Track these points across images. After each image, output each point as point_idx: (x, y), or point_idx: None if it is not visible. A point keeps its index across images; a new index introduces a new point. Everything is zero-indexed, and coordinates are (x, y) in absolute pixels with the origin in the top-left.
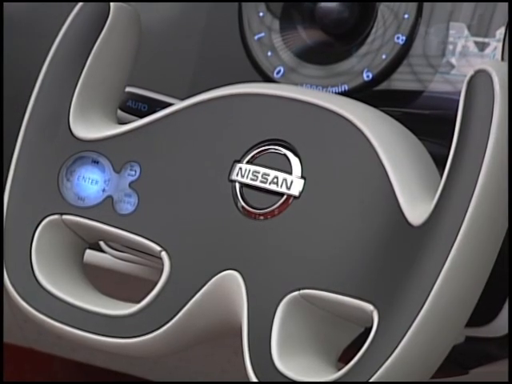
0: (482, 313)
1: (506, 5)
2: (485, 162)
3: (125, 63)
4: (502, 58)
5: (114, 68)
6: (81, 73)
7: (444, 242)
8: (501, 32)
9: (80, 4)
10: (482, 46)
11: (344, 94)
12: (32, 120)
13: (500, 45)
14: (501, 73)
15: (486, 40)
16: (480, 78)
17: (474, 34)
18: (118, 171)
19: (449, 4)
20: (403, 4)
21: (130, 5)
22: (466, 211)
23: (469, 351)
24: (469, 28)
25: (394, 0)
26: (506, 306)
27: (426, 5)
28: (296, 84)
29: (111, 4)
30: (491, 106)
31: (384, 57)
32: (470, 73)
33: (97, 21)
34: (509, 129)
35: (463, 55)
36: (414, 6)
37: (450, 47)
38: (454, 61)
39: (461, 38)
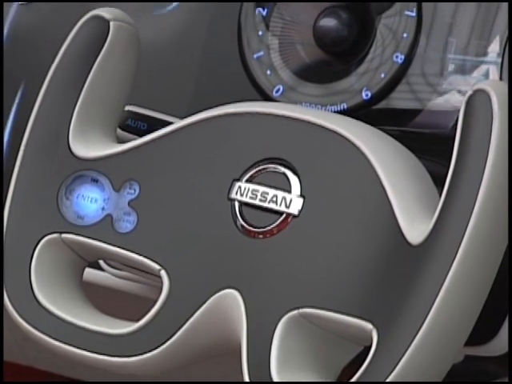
0: (482, 332)
1: (504, 22)
2: (483, 182)
3: (124, 82)
4: (501, 76)
5: (114, 87)
6: (80, 92)
7: (443, 261)
8: (495, 50)
9: (80, 23)
10: (480, 65)
11: (343, 112)
12: (32, 138)
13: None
14: (499, 92)
15: (485, 59)
16: (479, 98)
17: (472, 54)
18: (117, 190)
19: (447, 22)
20: (402, 23)
21: (129, 23)
22: (465, 230)
23: (468, 370)
24: (467, 47)
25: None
26: (506, 325)
27: (425, 24)
28: (295, 102)
29: (111, 23)
30: (490, 126)
31: (383, 76)
32: (469, 92)
33: (96, 39)
34: (508, 147)
35: (462, 74)
36: (412, 25)
37: (449, 66)
38: (452, 80)
39: (459, 57)
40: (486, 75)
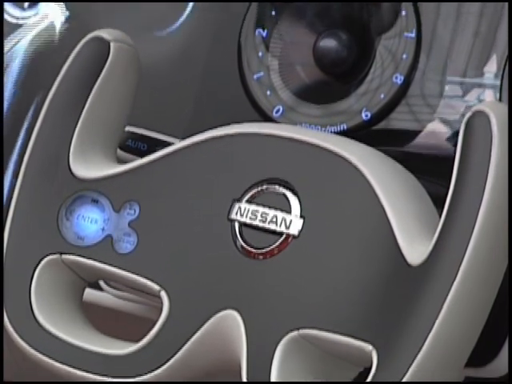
0: (482, 353)
1: (503, 43)
2: (483, 204)
3: (125, 103)
4: (500, 97)
5: (114, 108)
6: (81, 112)
7: (443, 282)
8: (494, 72)
9: (80, 44)
10: (479, 87)
11: (343, 133)
12: (32, 159)
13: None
14: (498, 114)
15: (484, 80)
16: (478, 119)
17: (471, 75)
18: (117, 210)
19: (446, 44)
20: (401, 44)
21: (129, 44)
22: (465, 251)
23: None
24: (466, 68)
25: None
26: (506, 346)
27: (424, 45)
28: (295, 123)
29: (111, 44)
30: (489, 147)
31: (382, 96)
32: (468, 114)
33: (97, 60)
34: (508, 169)
35: (461, 95)
36: (412, 46)
37: (448, 87)
38: (451, 101)
39: (458, 78)
40: (485, 96)
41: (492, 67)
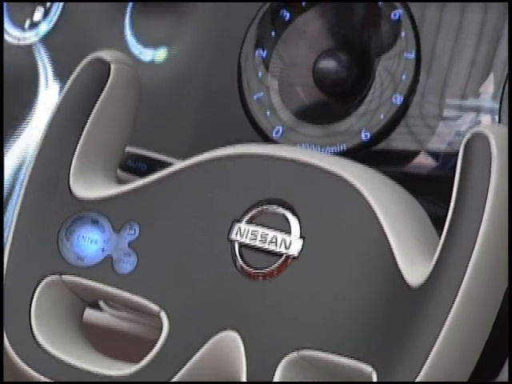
0: (482, 373)
1: (502, 64)
2: (482, 226)
3: (125, 123)
4: (500, 119)
5: (115, 128)
6: (81, 133)
7: (442, 303)
8: (494, 93)
9: (81, 65)
10: (479, 108)
11: (342, 153)
12: (32, 180)
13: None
14: (498, 136)
15: (483, 101)
16: (477, 141)
17: (470, 96)
18: (117, 231)
19: (445, 64)
20: (401, 65)
21: (129, 65)
22: (465, 273)
23: None
24: (466, 89)
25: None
26: (506, 368)
27: (424, 65)
28: (295, 143)
29: (111, 65)
30: (488, 169)
31: (382, 117)
32: (468, 135)
33: (97, 81)
34: (508, 191)
35: (460, 117)
36: (411, 66)
37: (447, 108)
38: (450, 122)
39: (458, 99)
40: (484, 118)
41: (490, 89)
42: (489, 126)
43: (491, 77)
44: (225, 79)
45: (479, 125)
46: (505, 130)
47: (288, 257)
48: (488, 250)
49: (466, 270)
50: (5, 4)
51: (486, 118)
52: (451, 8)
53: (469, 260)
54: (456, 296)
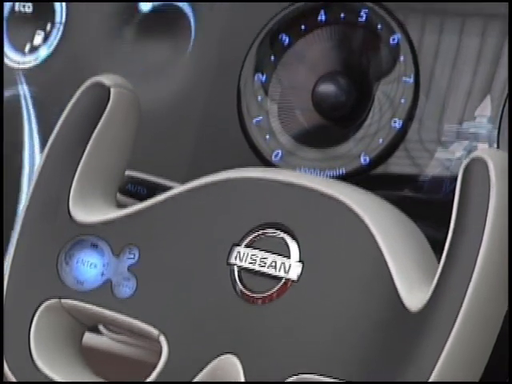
0: None
1: (501, 88)
2: (481, 251)
3: (125, 147)
4: (498, 143)
5: (114, 152)
6: (81, 157)
7: (442, 328)
8: (492, 117)
9: (80, 89)
10: (477, 132)
11: (341, 177)
12: (32, 203)
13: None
14: (496, 161)
15: (482, 125)
16: (476, 166)
17: (469, 120)
18: (116, 255)
19: (444, 88)
20: (400, 89)
21: (129, 89)
22: (464, 298)
23: None
24: (464, 113)
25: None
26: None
27: (422, 89)
28: (294, 167)
29: (111, 89)
30: (487, 195)
31: (381, 141)
32: (466, 160)
33: (97, 106)
34: (509, 216)
35: (459, 141)
36: (410, 90)
37: (446, 132)
38: (449, 146)
39: (456, 123)
40: (483, 142)
41: (489, 113)
42: (487, 151)
43: (489, 101)
44: (224, 103)
45: (478, 149)
46: (503, 154)
47: (287, 281)
48: (487, 274)
49: (465, 295)
50: (5, 28)
51: (484, 143)
52: (449, 32)
53: (468, 285)
54: (455, 321)
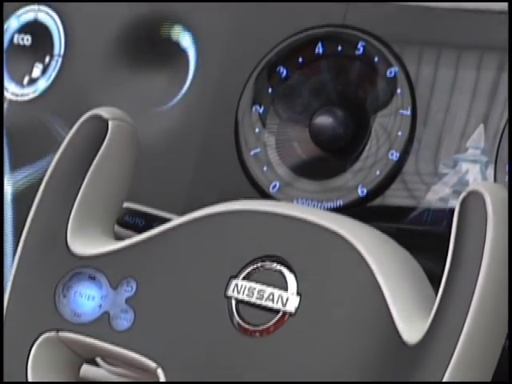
0: None
1: (498, 120)
2: (478, 284)
3: (123, 180)
4: (495, 176)
5: (112, 185)
6: (79, 190)
7: (440, 361)
8: (489, 150)
9: (79, 122)
10: (474, 164)
11: (339, 208)
12: (30, 235)
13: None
14: (493, 194)
15: (479, 158)
16: (473, 199)
17: (466, 152)
18: (114, 287)
19: (441, 121)
20: (397, 122)
21: (128, 122)
22: (461, 331)
23: None
24: (461, 146)
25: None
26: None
27: (419, 122)
28: (292, 198)
29: (109, 122)
30: (484, 228)
31: (378, 173)
32: (463, 193)
33: (95, 138)
34: (509, 249)
35: (456, 173)
36: (407, 123)
37: (443, 165)
38: (446, 179)
39: (453, 155)
40: (479, 174)
41: (486, 145)
42: (484, 184)
43: (486, 133)
44: (222, 135)
45: (475, 182)
46: (500, 187)
47: (285, 313)
48: (485, 307)
49: (462, 328)
50: (4, 60)
51: (480, 174)
52: (446, 65)
53: (466, 317)
54: (453, 354)
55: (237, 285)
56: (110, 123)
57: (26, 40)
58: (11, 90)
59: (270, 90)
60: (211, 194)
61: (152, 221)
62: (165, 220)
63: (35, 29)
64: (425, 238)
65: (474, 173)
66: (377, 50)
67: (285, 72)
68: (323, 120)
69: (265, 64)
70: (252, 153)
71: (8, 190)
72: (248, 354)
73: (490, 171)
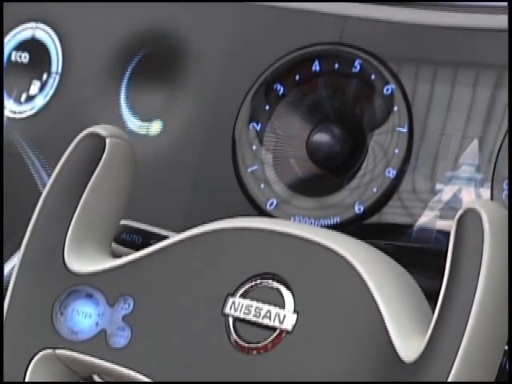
0: None
1: (493, 140)
2: (475, 301)
3: (120, 198)
4: (492, 194)
5: (110, 202)
6: (76, 207)
7: (437, 380)
8: (486, 168)
9: (76, 139)
10: (471, 182)
11: (336, 226)
12: (27, 253)
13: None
14: (490, 212)
15: (476, 176)
16: (470, 217)
17: (463, 170)
18: (111, 305)
19: (438, 138)
20: (394, 139)
21: (125, 140)
22: (459, 349)
23: None
24: (458, 163)
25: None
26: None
27: (416, 139)
28: (289, 215)
29: (107, 140)
30: (481, 246)
31: (375, 190)
32: (460, 211)
33: (92, 156)
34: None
35: (452, 191)
36: (404, 140)
37: (440, 182)
38: (443, 196)
39: (450, 173)
40: (476, 192)
41: (482, 161)
42: (481, 202)
43: (483, 150)
44: (219, 152)
45: (471, 200)
46: (497, 205)
47: (282, 331)
48: (482, 325)
49: (459, 346)
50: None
51: (476, 192)
52: (442, 82)
53: (462, 337)
54: (450, 371)
55: (234, 302)
56: (107, 141)
57: (24, 57)
58: (9, 107)
59: (267, 108)
60: (209, 212)
61: (149, 238)
62: (162, 237)
63: (33, 46)
64: (422, 255)
65: (470, 190)
66: (373, 68)
67: (282, 89)
68: (320, 137)
69: (262, 81)
70: (249, 170)
71: None
72: (245, 371)
73: (486, 189)
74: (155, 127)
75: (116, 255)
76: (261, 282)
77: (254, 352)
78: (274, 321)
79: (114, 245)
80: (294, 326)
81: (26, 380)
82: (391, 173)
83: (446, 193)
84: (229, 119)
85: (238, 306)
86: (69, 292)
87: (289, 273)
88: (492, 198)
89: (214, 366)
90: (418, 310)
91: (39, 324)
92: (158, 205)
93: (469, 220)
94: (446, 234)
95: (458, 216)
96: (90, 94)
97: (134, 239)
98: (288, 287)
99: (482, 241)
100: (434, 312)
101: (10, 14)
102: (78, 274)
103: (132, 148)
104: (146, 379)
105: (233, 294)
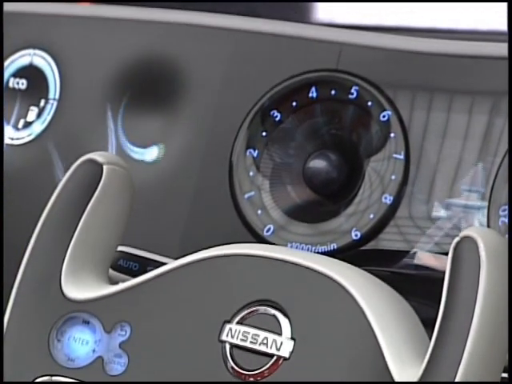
0: None
1: (491, 164)
2: (472, 329)
3: (117, 224)
4: (489, 221)
5: (107, 229)
6: (73, 234)
7: None
8: (483, 194)
9: (73, 166)
10: (468, 209)
11: (333, 252)
12: (24, 279)
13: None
14: (487, 240)
15: (473, 203)
16: (466, 245)
17: (460, 197)
18: (108, 331)
19: (434, 164)
20: (390, 165)
21: (122, 167)
22: (455, 376)
23: None
24: (454, 190)
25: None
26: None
27: (413, 166)
28: (286, 242)
29: (104, 166)
30: (477, 274)
31: (372, 216)
32: (457, 238)
33: (90, 183)
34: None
35: (449, 218)
36: (400, 167)
37: (436, 208)
38: (440, 223)
39: (446, 200)
40: (473, 219)
41: (479, 188)
42: (477, 229)
43: (479, 177)
44: (216, 178)
45: (468, 227)
46: (493, 233)
47: (279, 358)
48: (478, 354)
49: (456, 373)
50: None
51: (473, 219)
52: (438, 108)
53: (459, 365)
54: None
55: (231, 329)
56: (104, 168)
57: (22, 84)
58: (7, 133)
59: (263, 134)
60: (206, 238)
61: (146, 265)
62: (159, 264)
63: (30, 73)
64: (418, 282)
65: (466, 217)
66: (370, 95)
67: (278, 116)
68: (317, 164)
69: (258, 108)
70: (246, 196)
71: None
72: None
73: (482, 215)
74: (152, 153)
75: (113, 282)
76: (258, 309)
77: (251, 379)
78: (270, 348)
79: (111, 271)
80: (291, 353)
81: None
82: (388, 199)
83: (443, 219)
84: (226, 146)
85: (235, 333)
86: (66, 319)
87: (286, 299)
88: (489, 225)
89: None
90: (414, 337)
91: (36, 351)
92: (155, 230)
93: (465, 247)
94: (444, 260)
95: (454, 243)
96: (87, 120)
97: (131, 266)
98: (285, 314)
99: (479, 269)
100: (430, 339)
101: (8, 41)
102: (74, 301)
103: (129, 175)
104: None
105: (230, 321)
